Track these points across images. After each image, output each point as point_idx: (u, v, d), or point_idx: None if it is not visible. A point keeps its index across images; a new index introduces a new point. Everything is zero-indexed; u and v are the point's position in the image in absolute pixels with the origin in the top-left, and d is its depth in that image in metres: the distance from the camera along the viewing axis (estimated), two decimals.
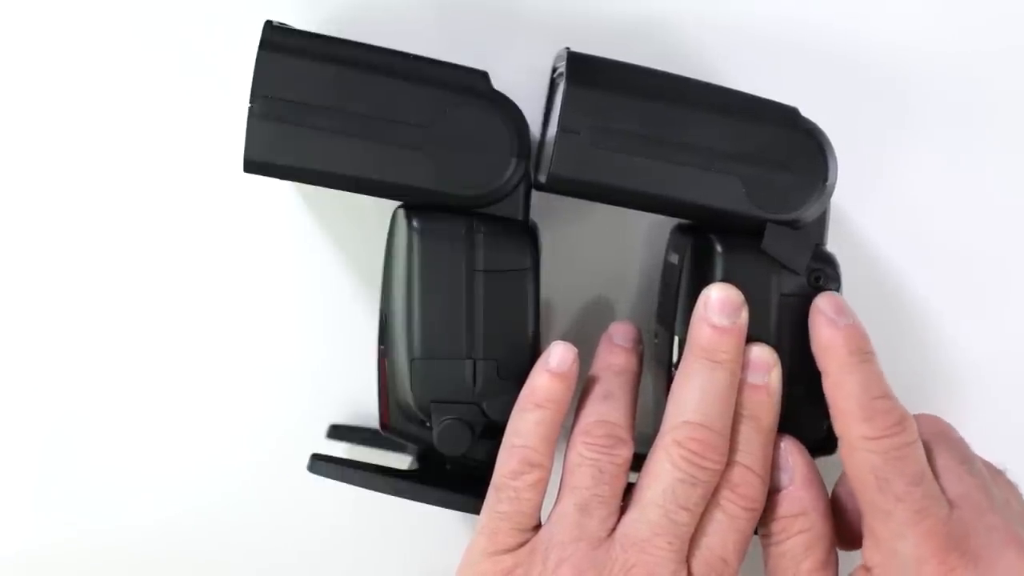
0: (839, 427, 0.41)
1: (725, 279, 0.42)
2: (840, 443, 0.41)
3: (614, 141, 0.41)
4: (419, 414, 0.44)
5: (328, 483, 0.45)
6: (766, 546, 0.42)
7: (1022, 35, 0.49)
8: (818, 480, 0.43)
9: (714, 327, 0.41)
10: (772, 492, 0.42)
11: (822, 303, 0.42)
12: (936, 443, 0.42)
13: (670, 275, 0.47)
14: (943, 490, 0.40)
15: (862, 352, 0.41)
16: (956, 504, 0.40)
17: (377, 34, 0.43)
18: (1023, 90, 0.49)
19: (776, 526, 0.42)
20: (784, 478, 0.42)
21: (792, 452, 0.43)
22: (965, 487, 0.40)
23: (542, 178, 0.42)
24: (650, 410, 0.47)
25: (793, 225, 0.43)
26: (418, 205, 0.43)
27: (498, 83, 0.43)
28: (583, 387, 0.44)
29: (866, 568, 0.40)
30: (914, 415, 0.41)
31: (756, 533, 0.42)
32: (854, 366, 0.41)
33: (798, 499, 0.42)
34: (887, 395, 0.40)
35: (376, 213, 0.45)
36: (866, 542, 0.40)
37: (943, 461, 0.41)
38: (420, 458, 0.47)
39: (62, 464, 0.53)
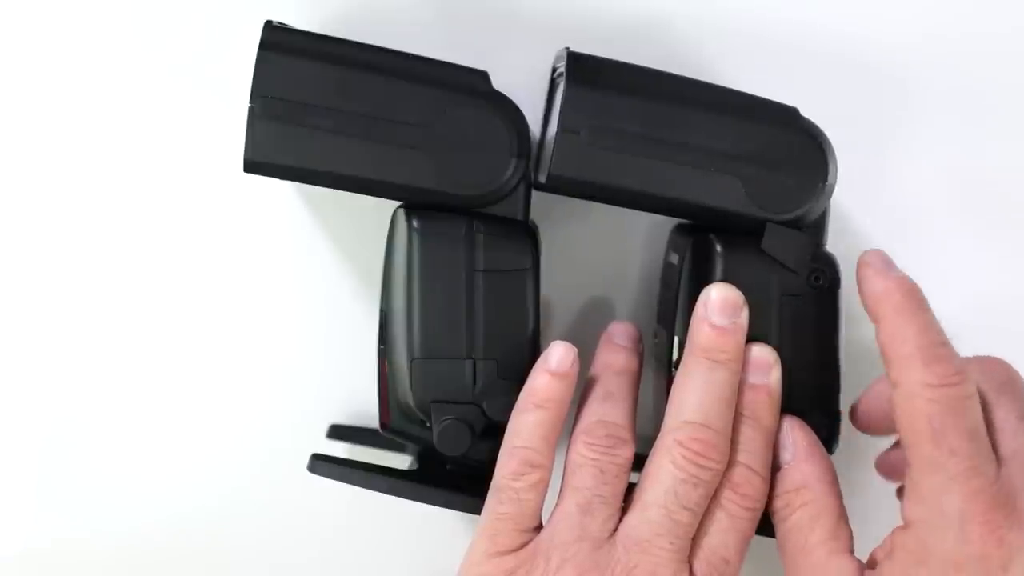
0: (896, 373, 0.38)
1: (725, 279, 0.42)
2: (896, 391, 0.38)
3: (614, 141, 0.41)
4: (419, 414, 0.44)
5: (328, 483, 0.45)
6: (776, 524, 0.42)
7: (1022, 35, 0.49)
8: (820, 452, 0.42)
9: (714, 327, 0.41)
10: (775, 470, 0.42)
11: (869, 257, 0.41)
12: (1000, 393, 0.40)
13: (670, 275, 0.47)
14: (997, 445, 0.38)
15: (918, 298, 0.39)
16: (1008, 461, 0.38)
17: (377, 34, 0.43)
18: (1023, 90, 0.49)
19: (780, 502, 0.41)
20: (786, 455, 0.42)
21: (793, 428, 0.42)
22: (1018, 444, 0.38)
23: (542, 178, 0.42)
24: (650, 410, 0.47)
25: (793, 225, 0.43)
26: (418, 205, 0.43)
27: (498, 83, 0.43)
28: (583, 387, 0.44)
29: (906, 524, 0.38)
30: (982, 359, 0.40)
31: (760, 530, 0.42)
32: (913, 311, 0.39)
33: (800, 473, 0.41)
34: (947, 343, 0.39)
35: (376, 213, 0.45)
36: (908, 496, 0.38)
37: (1003, 414, 0.39)
38: (420, 458, 0.47)
39: (63, 464, 0.53)
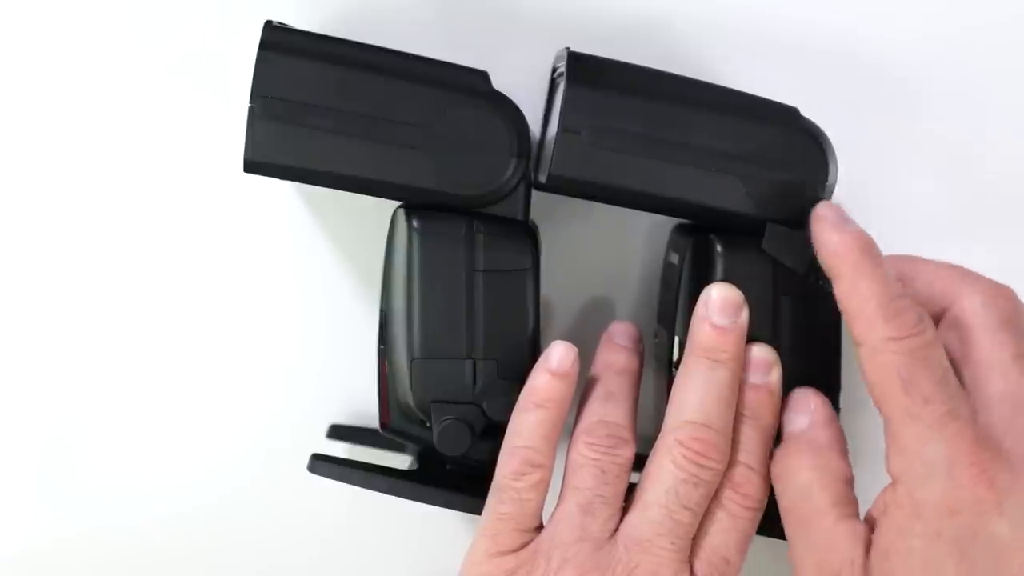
0: (858, 331, 0.38)
1: (725, 279, 0.42)
2: (859, 350, 0.38)
3: (614, 141, 0.41)
4: (419, 414, 0.44)
5: (328, 483, 0.45)
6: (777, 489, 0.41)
7: (1022, 35, 0.49)
8: (836, 420, 0.41)
9: (714, 327, 0.41)
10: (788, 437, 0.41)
11: (823, 211, 0.41)
12: (999, 330, 0.39)
13: (670, 275, 0.47)
14: (986, 383, 0.38)
15: (874, 254, 0.39)
16: (995, 401, 0.37)
17: (377, 34, 0.43)
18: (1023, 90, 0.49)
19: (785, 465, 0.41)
20: (802, 420, 0.41)
21: (808, 394, 0.42)
22: (1009, 385, 0.38)
23: (542, 178, 0.42)
24: (650, 410, 0.47)
25: (793, 225, 0.43)
26: (418, 205, 0.43)
27: (498, 83, 0.43)
28: (584, 387, 0.44)
29: (893, 480, 0.37)
30: (990, 286, 0.39)
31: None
32: (870, 267, 0.39)
33: (813, 439, 0.41)
34: (904, 295, 0.38)
35: (376, 213, 0.45)
36: (890, 454, 0.38)
37: (998, 351, 0.38)
38: (420, 458, 0.47)
39: (63, 464, 0.53)
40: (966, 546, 0.35)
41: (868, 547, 0.37)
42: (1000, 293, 0.40)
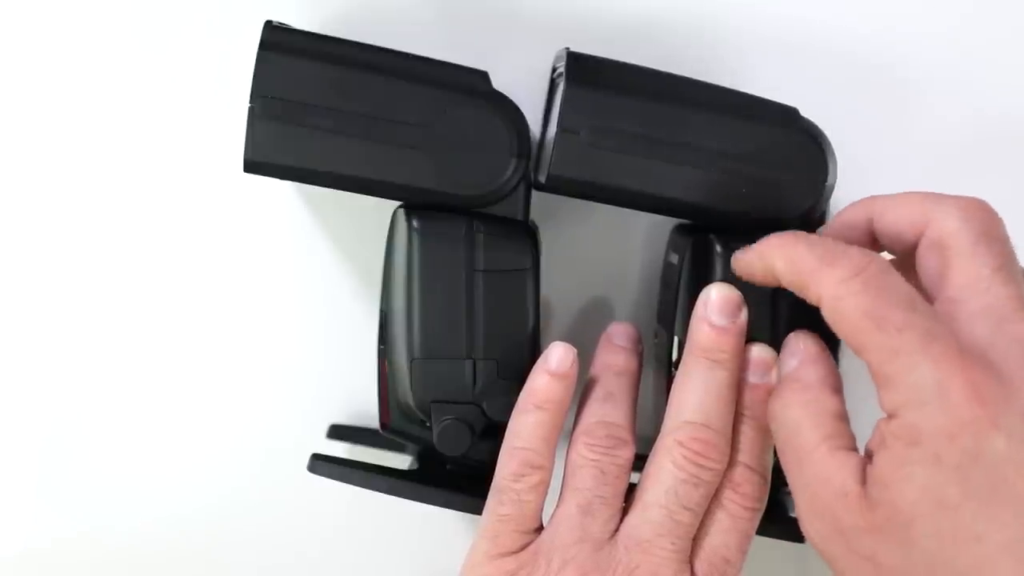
0: (814, 289, 0.37)
1: (725, 279, 0.42)
2: (823, 306, 0.37)
3: (614, 141, 0.41)
4: (419, 414, 0.44)
5: (328, 483, 0.45)
6: (776, 427, 0.40)
7: (1022, 34, 0.49)
8: (826, 357, 0.40)
9: (714, 327, 0.41)
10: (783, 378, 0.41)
11: (738, 254, 0.42)
12: (976, 243, 0.37)
13: (670, 275, 0.47)
14: (967, 300, 0.36)
15: (788, 235, 0.39)
16: (976, 318, 0.36)
17: (377, 34, 0.43)
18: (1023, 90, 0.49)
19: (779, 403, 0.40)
20: (792, 361, 0.41)
21: (800, 336, 0.41)
22: (989, 298, 0.36)
23: (542, 178, 0.42)
24: (650, 410, 0.47)
25: (793, 225, 0.43)
26: (418, 205, 0.43)
27: (498, 83, 0.43)
28: (583, 388, 0.44)
29: (888, 414, 0.36)
30: (960, 199, 0.38)
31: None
32: (793, 237, 0.39)
33: (802, 377, 0.40)
34: (838, 242, 0.38)
35: (376, 213, 0.45)
36: (881, 393, 0.36)
37: (976, 267, 0.37)
38: (420, 458, 0.47)
39: (63, 464, 0.53)
40: (967, 469, 0.34)
41: (864, 479, 0.36)
42: (974, 206, 0.38)
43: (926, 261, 0.39)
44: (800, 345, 0.41)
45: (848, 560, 0.36)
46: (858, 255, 0.37)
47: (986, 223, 0.38)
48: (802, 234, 0.39)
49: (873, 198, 0.41)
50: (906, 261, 0.40)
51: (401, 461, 0.49)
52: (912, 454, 0.34)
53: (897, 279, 0.36)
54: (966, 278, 0.37)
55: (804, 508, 0.38)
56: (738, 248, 0.42)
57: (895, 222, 0.40)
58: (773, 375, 0.42)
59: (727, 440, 0.41)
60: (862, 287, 0.36)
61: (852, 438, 0.38)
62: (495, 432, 0.43)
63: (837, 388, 0.40)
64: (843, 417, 0.39)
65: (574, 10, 0.47)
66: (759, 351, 0.42)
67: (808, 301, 0.38)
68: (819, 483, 0.37)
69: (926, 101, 0.49)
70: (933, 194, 0.39)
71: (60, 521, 0.54)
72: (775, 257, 0.39)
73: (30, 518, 0.53)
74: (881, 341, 0.35)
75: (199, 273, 0.50)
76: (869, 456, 0.36)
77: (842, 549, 0.36)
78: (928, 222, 0.39)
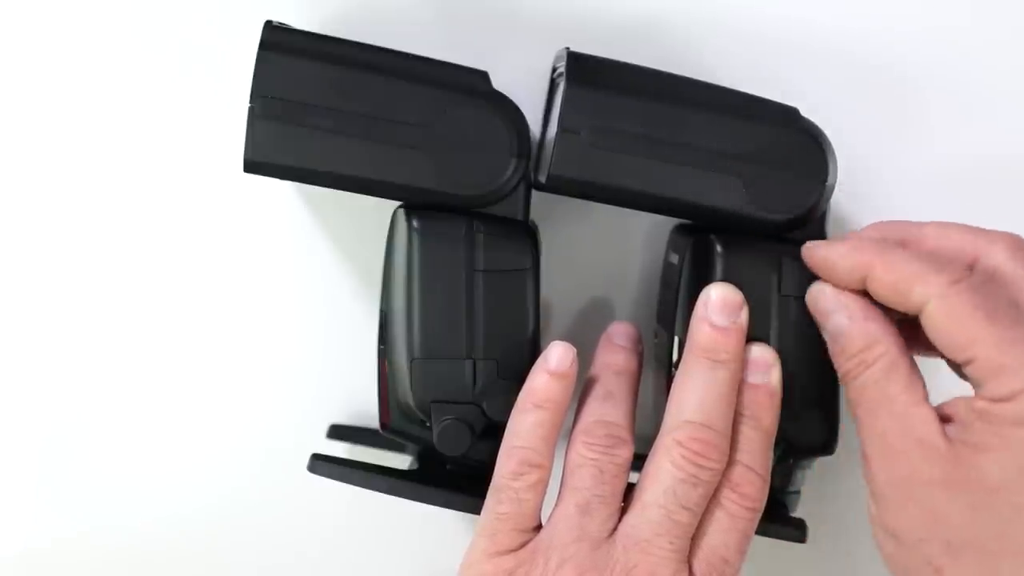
0: (919, 292, 0.38)
1: (725, 279, 0.42)
2: (929, 306, 0.38)
3: (614, 141, 0.41)
4: (419, 414, 0.44)
5: (328, 483, 0.45)
6: (847, 384, 0.41)
7: (1022, 34, 0.49)
8: (878, 310, 0.41)
9: (714, 327, 0.41)
10: (835, 335, 0.41)
11: (809, 249, 0.43)
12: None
13: (670, 275, 0.47)
14: None
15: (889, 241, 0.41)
16: None
17: (377, 34, 0.43)
18: None
19: (851, 363, 0.40)
20: (841, 318, 0.41)
21: (838, 293, 0.41)
22: None
23: (542, 178, 0.42)
24: (650, 410, 0.47)
25: (793, 225, 0.43)
26: (418, 205, 0.43)
27: (498, 83, 0.43)
28: (583, 387, 0.44)
29: (994, 400, 0.37)
30: (1002, 235, 0.41)
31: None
32: (887, 247, 0.41)
33: (865, 331, 0.40)
34: (929, 256, 0.40)
35: (376, 213, 0.45)
36: (990, 380, 0.37)
37: None
38: (420, 458, 0.47)
39: (63, 464, 0.53)
40: None
41: (944, 436, 0.38)
42: (1016, 243, 0.41)
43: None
44: (840, 301, 0.41)
45: (905, 509, 0.38)
46: (963, 266, 0.39)
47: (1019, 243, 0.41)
48: (891, 242, 0.41)
49: (902, 225, 0.43)
50: None
51: (401, 461, 0.49)
52: (1018, 433, 0.36)
53: (998, 286, 0.39)
54: None
55: (875, 453, 0.39)
56: (738, 248, 0.42)
57: (935, 252, 0.41)
58: (773, 375, 0.42)
59: (727, 440, 0.41)
60: (970, 288, 0.38)
61: (926, 389, 0.40)
62: (495, 432, 0.43)
63: (900, 338, 0.41)
64: (915, 368, 0.40)
65: (574, 10, 0.47)
66: (759, 351, 0.42)
67: (898, 306, 0.39)
68: (899, 430, 0.38)
69: (926, 101, 0.49)
70: (971, 228, 0.42)
71: (60, 521, 0.54)
72: (872, 258, 0.40)
73: (30, 518, 0.53)
74: (996, 333, 0.37)
75: (199, 273, 0.50)
76: (946, 419, 0.38)
77: (903, 496, 0.38)
78: (978, 256, 0.41)
